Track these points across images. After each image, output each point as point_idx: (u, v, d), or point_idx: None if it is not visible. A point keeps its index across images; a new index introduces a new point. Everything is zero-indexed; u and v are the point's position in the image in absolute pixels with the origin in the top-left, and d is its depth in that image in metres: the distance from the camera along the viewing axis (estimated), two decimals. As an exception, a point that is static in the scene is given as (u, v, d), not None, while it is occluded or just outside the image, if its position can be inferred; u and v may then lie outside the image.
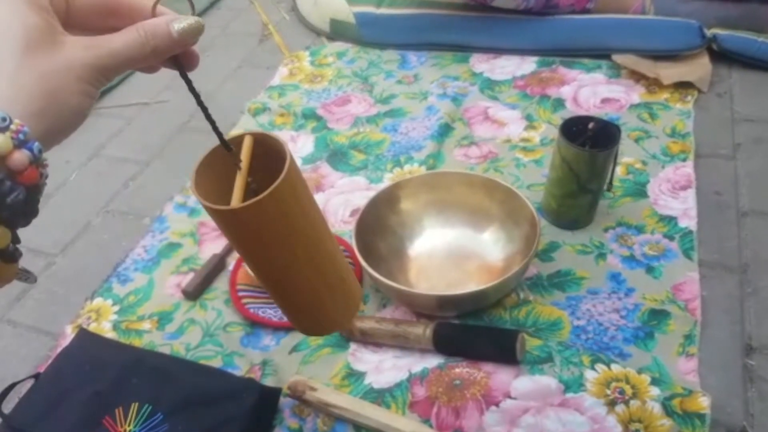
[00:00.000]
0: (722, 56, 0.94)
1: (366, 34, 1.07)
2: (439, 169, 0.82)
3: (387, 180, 0.82)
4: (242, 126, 0.94)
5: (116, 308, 0.71)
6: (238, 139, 0.36)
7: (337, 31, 1.11)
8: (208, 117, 0.35)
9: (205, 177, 0.35)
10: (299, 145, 0.90)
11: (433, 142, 0.86)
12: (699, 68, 0.92)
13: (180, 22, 0.31)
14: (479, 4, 0.99)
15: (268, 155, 0.35)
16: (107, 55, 0.30)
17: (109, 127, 0.98)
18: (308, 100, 0.98)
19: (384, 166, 0.84)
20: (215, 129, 0.36)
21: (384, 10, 1.07)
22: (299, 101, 0.98)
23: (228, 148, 0.36)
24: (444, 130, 0.88)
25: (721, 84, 0.92)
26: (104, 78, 0.30)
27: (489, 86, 0.96)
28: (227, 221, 0.34)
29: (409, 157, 0.85)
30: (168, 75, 0.37)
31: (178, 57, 0.33)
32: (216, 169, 0.36)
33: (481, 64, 1.01)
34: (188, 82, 0.34)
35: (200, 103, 0.35)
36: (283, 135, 0.92)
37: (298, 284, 0.38)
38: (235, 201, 0.34)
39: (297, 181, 0.34)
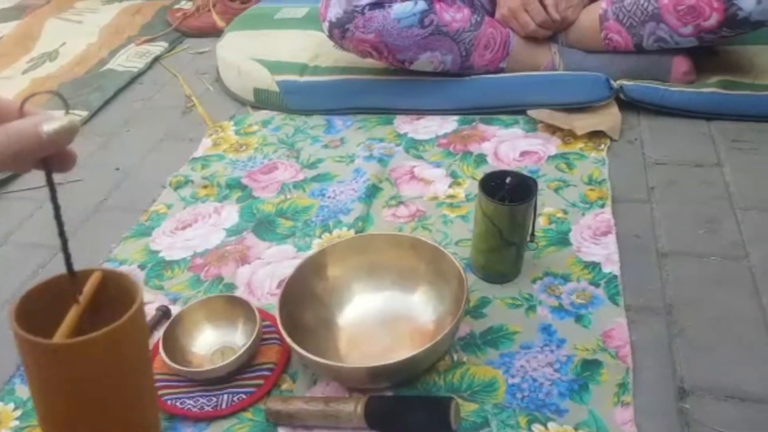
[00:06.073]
0: (630, 105, 1.00)
1: (290, 101, 1.08)
2: (366, 232, 0.80)
3: (316, 246, 0.80)
4: (163, 200, 0.90)
5: (18, 413, 0.63)
6: (87, 273, 0.33)
7: (262, 100, 1.11)
8: (62, 234, 0.32)
9: (36, 308, 0.31)
10: (223, 217, 0.87)
11: (362, 204, 0.85)
12: (610, 118, 0.97)
13: (51, 123, 0.29)
14: (400, 69, 1.02)
15: (121, 300, 0.31)
16: None
17: (19, 211, 0.92)
18: (233, 170, 0.96)
19: (312, 231, 0.82)
20: (65, 248, 0.32)
21: (307, 78, 1.09)
22: (223, 171, 0.96)
23: (70, 268, 0.32)
24: (372, 192, 0.88)
25: (631, 131, 0.97)
26: None
27: (414, 146, 0.97)
28: (41, 357, 0.29)
29: (338, 221, 0.83)
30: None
31: (47, 159, 0.31)
32: (52, 304, 0.32)
33: (404, 125, 1.02)
34: (52, 191, 0.32)
35: (58, 216, 0.32)
36: (207, 207, 0.89)
37: None
38: (59, 336, 0.30)
39: (138, 333, 0.31)
